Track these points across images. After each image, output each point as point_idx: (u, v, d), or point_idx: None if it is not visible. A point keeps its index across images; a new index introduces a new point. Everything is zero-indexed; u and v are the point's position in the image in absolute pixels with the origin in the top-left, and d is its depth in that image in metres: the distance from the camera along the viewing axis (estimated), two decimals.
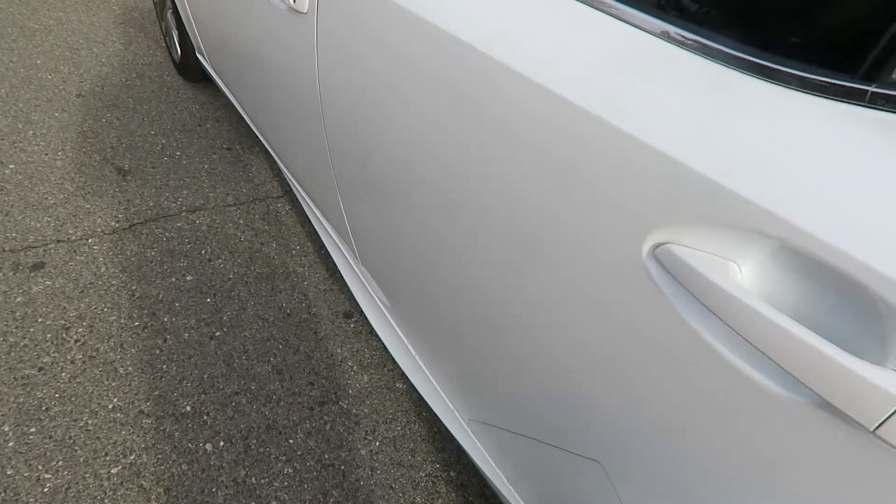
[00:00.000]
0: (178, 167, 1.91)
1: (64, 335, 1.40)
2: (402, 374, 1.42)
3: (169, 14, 2.15)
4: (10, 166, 1.84)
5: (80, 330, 1.41)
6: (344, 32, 0.89)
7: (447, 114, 0.69)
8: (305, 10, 0.96)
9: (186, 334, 1.43)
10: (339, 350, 1.44)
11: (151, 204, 1.77)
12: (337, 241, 1.42)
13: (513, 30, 0.61)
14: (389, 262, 1.08)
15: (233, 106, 1.87)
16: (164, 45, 2.51)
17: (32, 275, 1.52)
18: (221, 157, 1.97)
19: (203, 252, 1.64)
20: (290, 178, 1.63)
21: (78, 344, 1.38)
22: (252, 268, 1.61)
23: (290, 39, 1.06)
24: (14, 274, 1.52)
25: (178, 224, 1.71)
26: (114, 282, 1.53)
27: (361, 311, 1.54)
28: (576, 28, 0.58)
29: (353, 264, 1.37)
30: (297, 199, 1.73)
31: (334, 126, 1.04)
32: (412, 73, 0.74)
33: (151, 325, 1.44)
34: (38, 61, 2.34)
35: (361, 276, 1.32)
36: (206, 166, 1.93)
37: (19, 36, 2.48)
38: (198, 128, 2.09)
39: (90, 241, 1.63)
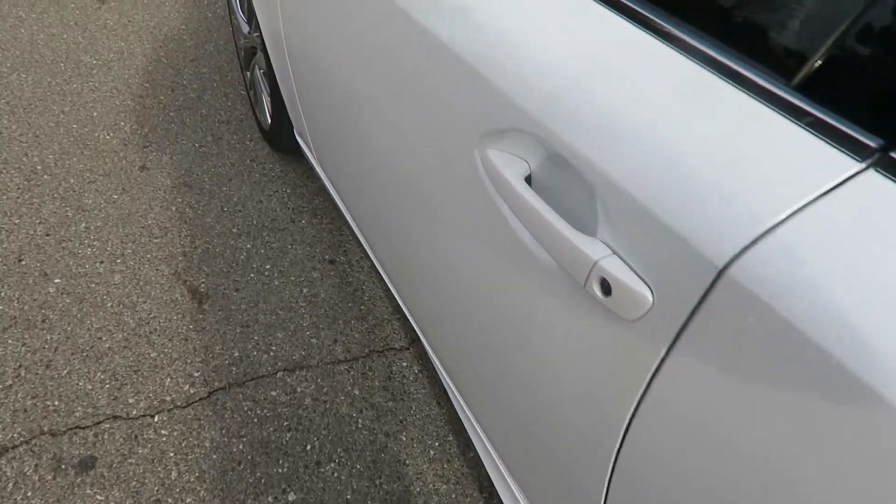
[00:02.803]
0: (269, 290, 1.45)
1: None
2: None
3: (260, 74, 1.68)
4: (56, 281, 1.41)
5: None
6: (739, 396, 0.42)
7: None
8: (635, 319, 0.49)
9: None
10: None
11: (237, 354, 1.32)
12: (504, 472, 0.94)
13: None
14: None
15: (330, 193, 1.40)
16: (243, 93, 2.05)
17: (79, 482, 1.09)
18: (324, 276, 1.51)
19: (308, 448, 1.18)
20: (417, 326, 1.15)
21: None
22: (377, 481, 1.15)
23: (573, 330, 0.59)
24: (54, 478, 1.09)
25: (273, 392, 1.26)
26: (189, 500, 1.09)
27: None
28: None
29: None
30: (426, 355, 1.26)
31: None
32: None
33: None
34: (95, 113, 1.90)
35: None
36: (304, 290, 1.47)
37: (73, 75, 2.05)
38: (291, 225, 1.63)
39: (156, 418, 1.19)
